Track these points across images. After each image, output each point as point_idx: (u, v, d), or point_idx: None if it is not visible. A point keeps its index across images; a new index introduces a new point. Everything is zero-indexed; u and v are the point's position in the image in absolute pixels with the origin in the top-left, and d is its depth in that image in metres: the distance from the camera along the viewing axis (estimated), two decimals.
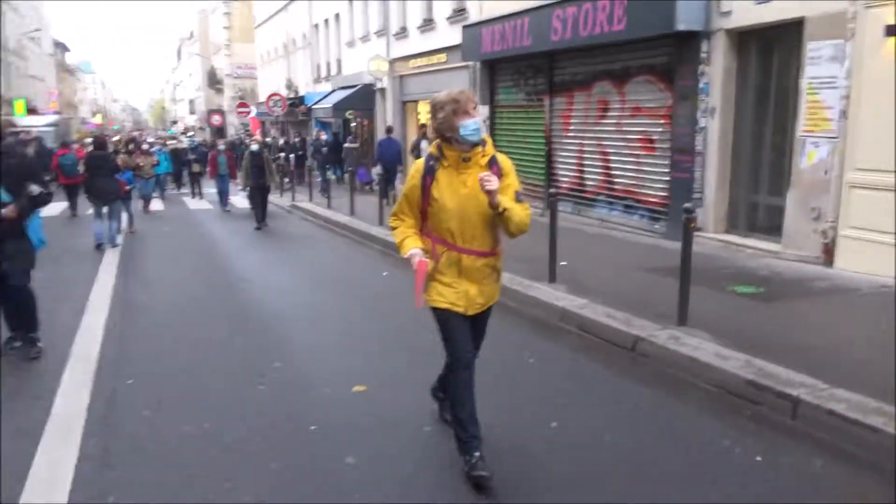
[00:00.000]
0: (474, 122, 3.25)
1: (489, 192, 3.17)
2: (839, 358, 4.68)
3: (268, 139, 26.30)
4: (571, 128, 12.52)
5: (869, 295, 6.52)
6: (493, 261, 3.48)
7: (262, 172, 13.36)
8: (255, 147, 13.88)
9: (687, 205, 5.63)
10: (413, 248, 3.36)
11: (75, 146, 18.73)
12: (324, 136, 20.93)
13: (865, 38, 7.23)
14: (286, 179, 19.36)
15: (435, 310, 3.46)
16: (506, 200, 3.24)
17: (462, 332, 3.44)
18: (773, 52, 8.85)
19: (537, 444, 3.36)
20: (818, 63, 7.85)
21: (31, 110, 39.02)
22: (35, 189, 5.25)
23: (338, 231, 12.89)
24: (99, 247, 10.70)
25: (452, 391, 3.49)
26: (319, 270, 9.40)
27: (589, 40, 11.07)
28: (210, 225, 14.27)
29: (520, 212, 3.32)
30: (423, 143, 16.35)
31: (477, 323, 3.55)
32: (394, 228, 3.51)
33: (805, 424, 3.93)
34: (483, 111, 3.81)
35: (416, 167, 3.45)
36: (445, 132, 3.29)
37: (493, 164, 3.35)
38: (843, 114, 7.51)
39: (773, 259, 8.27)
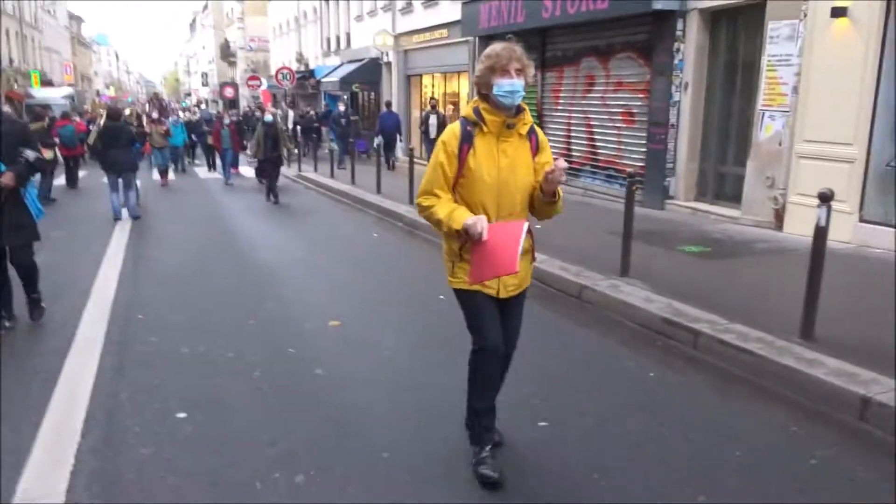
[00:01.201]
0: (511, 84, 2.89)
1: (555, 183, 2.92)
2: (749, 302, 5.39)
3: (278, 111, 26.92)
4: (561, 102, 13.15)
5: (804, 255, 7.17)
6: (528, 239, 3.06)
7: (276, 144, 13.17)
8: (268, 117, 13.62)
9: (629, 170, 6.30)
10: (468, 216, 2.91)
11: (77, 119, 19.05)
12: (341, 108, 21.34)
13: (816, 18, 7.81)
14: (295, 151, 20.06)
15: (459, 292, 3.12)
16: (563, 179, 2.94)
17: (492, 316, 3.10)
18: (740, 31, 9.44)
19: None
20: (777, 42, 8.45)
21: (47, 82, 39.92)
22: (31, 154, 5.03)
23: (339, 199, 13.64)
24: (116, 219, 10.65)
25: (474, 379, 3.17)
26: (316, 232, 10.17)
27: (576, 17, 11.66)
28: (218, 195, 15.04)
29: (560, 204, 3.09)
30: (432, 119, 16.96)
31: (509, 308, 3.17)
32: (429, 207, 3.01)
33: (703, 353, 4.67)
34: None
35: (449, 133, 3.02)
36: (482, 89, 2.99)
37: (532, 135, 3.07)
38: (795, 89, 8.13)
39: (731, 224, 8.95)
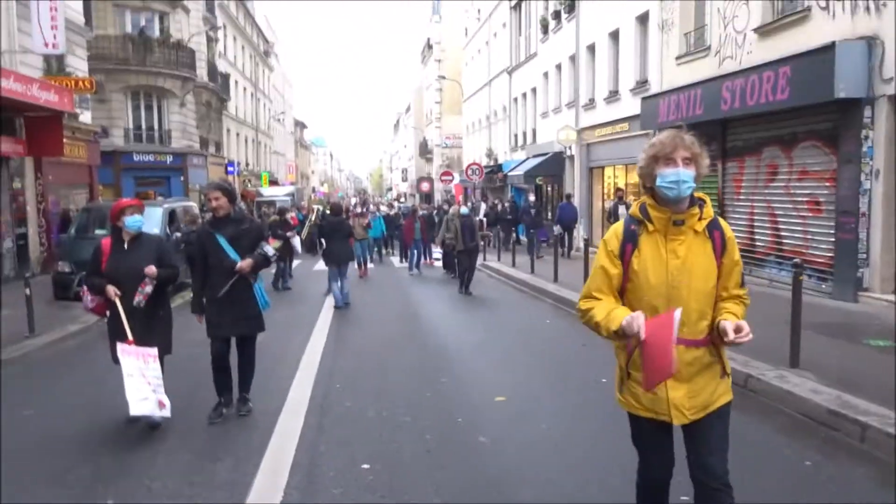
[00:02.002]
0: (675, 174, 2.60)
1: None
2: None
3: (470, 203, 28.75)
4: (742, 191, 13.00)
5: None
6: (710, 351, 2.73)
7: (473, 234, 13.59)
8: (465, 210, 14.50)
9: (796, 260, 6.29)
10: (627, 314, 2.59)
11: (290, 214, 21.46)
12: (532, 198, 22.41)
13: None
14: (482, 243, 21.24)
15: (629, 413, 2.88)
16: (740, 325, 2.58)
17: (659, 448, 2.83)
18: None
19: None
20: None
21: (273, 182, 45.87)
22: (269, 249, 5.58)
23: (518, 287, 14.33)
24: (338, 307, 11.38)
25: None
26: (493, 318, 10.85)
27: (756, 108, 11.69)
28: (408, 284, 16.36)
29: (741, 314, 2.72)
30: (621, 209, 17.30)
31: (700, 432, 2.74)
32: (587, 311, 2.73)
33: (870, 447, 4.57)
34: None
35: (611, 232, 2.80)
36: (646, 182, 2.74)
37: (713, 230, 2.72)
38: None
39: None
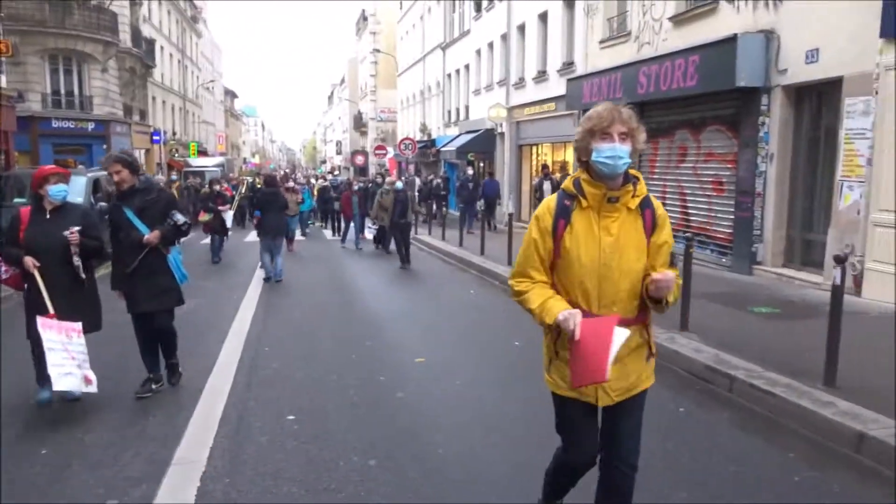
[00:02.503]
0: (612, 149, 2.55)
1: (662, 292, 2.57)
2: (791, 355, 5.88)
3: (404, 178, 28.92)
4: (656, 171, 13.82)
5: (870, 318, 7.47)
6: (640, 332, 2.73)
7: (405, 211, 13.72)
8: (399, 185, 14.54)
9: (688, 234, 6.96)
10: (563, 309, 2.57)
11: (224, 184, 21.00)
12: (470, 172, 22.89)
13: (886, 95, 8.23)
14: (423, 212, 21.61)
15: (552, 394, 2.85)
16: (672, 289, 2.58)
17: (586, 430, 2.80)
18: (822, 106, 9.89)
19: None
20: (853, 116, 8.87)
21: (202, 152, 44.87)
22: (180, 218, 5.28)
23: (447, 260, 14.84)
24: (268, 279, 11.40)
25: (552, 475, 3.06)
26: (421, 289, 11.33)
27: (668, 93, 12.45)
28: (339, 257, 16.68)
29: (676, 291, 2.66)
30: (546, 185, 17.91)
31: (619, 414, 2.75)
32: (522, 293, 2.70)
33: (737, 396, 5.27)
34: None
35: (544, 206, 2.74)
36: (581, 155, 2.67)
37: (646, 208, 2.68)
38: (870, 161, 8.49)
39: (813, 290, 9.23)
